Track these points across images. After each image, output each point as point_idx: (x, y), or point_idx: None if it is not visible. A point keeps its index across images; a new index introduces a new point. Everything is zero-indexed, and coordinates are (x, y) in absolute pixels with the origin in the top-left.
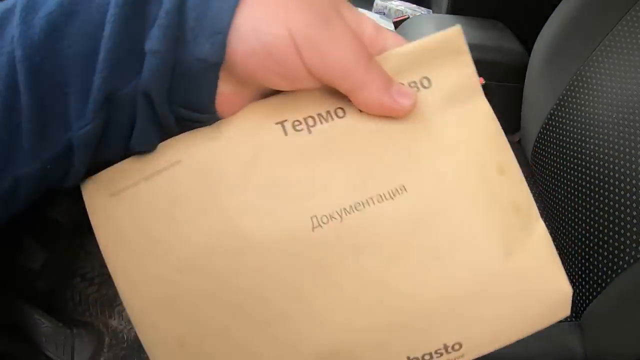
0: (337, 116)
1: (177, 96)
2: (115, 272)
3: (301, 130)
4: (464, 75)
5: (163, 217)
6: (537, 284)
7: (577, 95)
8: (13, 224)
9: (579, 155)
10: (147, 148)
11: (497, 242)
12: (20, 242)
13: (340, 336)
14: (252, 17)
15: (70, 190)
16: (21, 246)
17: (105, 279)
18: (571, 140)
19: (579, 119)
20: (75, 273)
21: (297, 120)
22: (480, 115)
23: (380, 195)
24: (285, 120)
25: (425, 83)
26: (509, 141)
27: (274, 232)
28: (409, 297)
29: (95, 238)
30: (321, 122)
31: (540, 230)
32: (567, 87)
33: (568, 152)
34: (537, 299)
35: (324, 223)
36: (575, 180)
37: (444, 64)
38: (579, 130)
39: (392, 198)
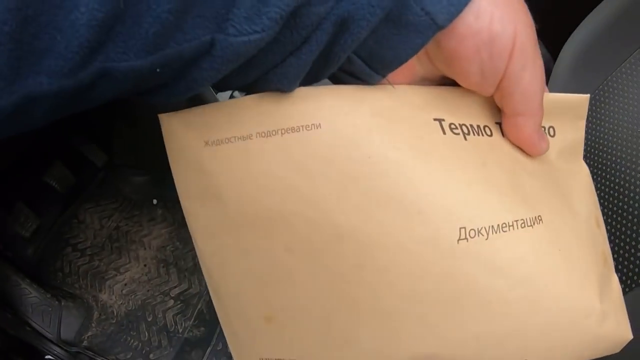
0: (486, 134)
1: (366, 42)
2: (201, 237)
3: (458, 134)
4: (577, 138)
5: (280, 186)
6: (611, 326)
7: (602, 105)
8: (5, 186)
9: (599, 166)
10: (286, 87)
11: (596, 285)
12: (12, 207)
13: (443, 343)
14: (492, 2)
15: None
16: (12, 211)
17: (97, 250)
18: (592, 150)
19: (602, 129)
20: (67, 242)
21: (453, 124)
22: (583, 174)
23: (524, 221)
24: (443, 120)
25: (551, 132)
26: None
27: (418, 233)
28: (517, 320)
29: (90, 207)
30: (474, 134)
31: (615, 280)
32: (593, 95)
33: (589, 162)
34: (606, 338)
35: (470, 237)
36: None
37: (567, 121)
38: (601, 141)
39: (532, 226)
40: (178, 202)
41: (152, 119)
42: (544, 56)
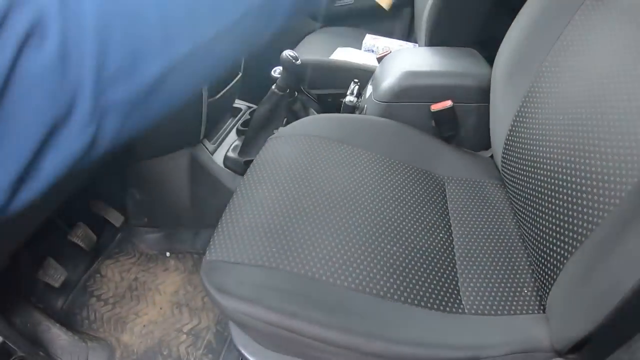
0: None
1: None
2: None
3: None
4: None
5: None
6: None
7: (532, 106)
8: (38, 244)
9: (538, 159)
10: None
11: None
12: (43, 262)
13: None
14: None
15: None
16: (44, 265)
17: (118, 299)
18: (529, 147)
19: (535, 127)
20: (91, 294)
21: None
22: None
23: None
24: None
25: None
26: (483, 156)
27: None
28: None
29: (111, 263)
30: None
31: None
32: (523, 100)
33: (528, 158)
34: None
35: None
36: (535, 182)
37: None
38: (536, 137)
39: None
40: (188, 252)
41: (161, 182)
42: (486, 74)
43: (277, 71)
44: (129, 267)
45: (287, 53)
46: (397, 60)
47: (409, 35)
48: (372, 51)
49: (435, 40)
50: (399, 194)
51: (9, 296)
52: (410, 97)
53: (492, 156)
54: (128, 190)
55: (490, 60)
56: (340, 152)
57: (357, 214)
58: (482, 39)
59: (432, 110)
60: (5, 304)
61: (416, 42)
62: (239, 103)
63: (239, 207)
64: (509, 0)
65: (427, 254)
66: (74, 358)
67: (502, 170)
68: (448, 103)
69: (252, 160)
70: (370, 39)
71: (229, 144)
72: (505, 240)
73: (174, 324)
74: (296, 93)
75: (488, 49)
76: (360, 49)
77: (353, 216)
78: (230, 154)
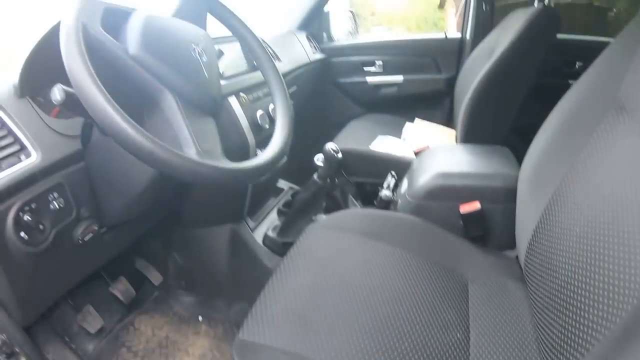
0: None
1: None
2: None
3: None
4: None
5: None
6: None
7: (554, 212)
8: (81, 291)
9: (556, 266)
10: None
11: None
12: (81, 308)
13: None
14: None
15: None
16: (83, 311)
17: (147, 353)
18: (549, 253)
19: (555, 234)
20: (123, 344)
21: None
22: None
23: None
24: None
25: None
26: (508, 256)
27: None
28: None
29: (145, 318)
30: None
31: None
32: (546, 205)
33: (548, 263)
34: None
35: None
36: (551, 289)
37: None
38: (556, 244)
39: None
40: (220, 320)
41: (202, 251)
42: (514, 176)
43: (319, 159)
44: (161, 324)
45: (330, 146)
46: (432, 158)
47: (448, 121)
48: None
49: (470, 132)
50: (421, 292)
51: (46, 332)
52: (440, 197)
53: (517, 257)
54: (171, 254)
55: (522, 152)
56: (371, 248)
57: (378, 308)
58: (517, 127)
59: (461, 212)
60: (42, 339)
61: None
62: (281, 183)
63: (274, 292)
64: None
65: (441, 352)
66: None
67: (525, 271)
68: (476, 205)
69: (289, 242)
70: (410, 127)
71: (269, 223)
72: (522, 344)
73: None
74: (336, 180)
75: (521, 138)
76: (400, 136)
77: (373, 310)
78: (270, 234)
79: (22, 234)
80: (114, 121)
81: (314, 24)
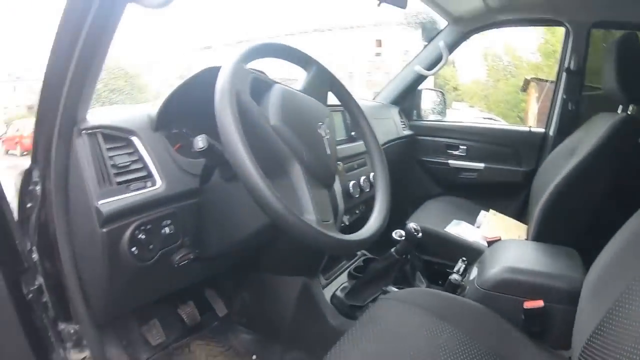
0: None
1: None
2: None
3: None
4: None
5: None
6: None
7: (611, 324)
8: (148, 307)
9: None
10: None
11: None
12: (150, 320)
13: None
14: None
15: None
16: (149, 323)
17: None
18: None
19: (608, 347)
20: None
21: None
22: None
23: None
24: None
25: None
26: (562, 357)
27: None
28: None
29: (201, 344)
30: None
31: None
32: (605, 314)
33: None
34: None
35: None
36: None
37: None
38: (609, 354)
39: None
40: (272, 350)
41: (270, 296)
42: (579, 279)
43: (397, 234)
44: (216, 354)
45: (412, 226)
46: (502, 250)
47: (520, 215)
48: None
49: (543, 230)
50: None
51: (109, 332)
52: (507, 290)
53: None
54: (240, 292)
55: (592, 254)
56: (437, 327)
57: None
58: (592, 227)
59: (525, 307)
60: (105, 337)
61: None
62: None
63: (344, 351)
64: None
65: None
66: None
67: None
68: (540, 303)
69: (355, 306)
70: (485, 217)
71: (339, 283)
72: None
73: None
74: (409, 256)
75: (593, 240)
76: (474, 222)
77: None
78: (339, 294)
79: (134, 249)
80: (254, 181)
81: (407, 100)
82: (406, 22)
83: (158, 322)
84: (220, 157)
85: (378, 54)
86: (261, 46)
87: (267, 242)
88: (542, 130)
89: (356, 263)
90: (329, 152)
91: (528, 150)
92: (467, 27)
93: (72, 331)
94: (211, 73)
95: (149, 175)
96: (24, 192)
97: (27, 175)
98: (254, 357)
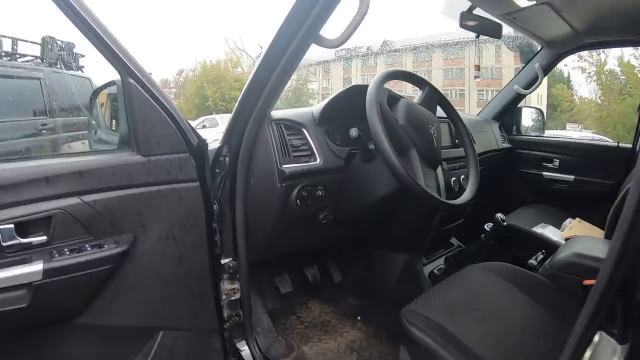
0: None
1: None
2: None
3: None
4: None
5: None
6: None
7: None
8: (283, 263)
9: None
10: None
11: None
12: (283, 274)
13: None
14: None
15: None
16: (282, 276)
17: (310, 326)
18: None
19: None
20: (294, 312)
21: None
22: None
23: None
24: None
25: None
26: None
27: None
28: None
29: (317, 302)
30: None
31: None
32: None
33: None
34: None
35: None
36: None
37: None
38: None
39: None
40: (374, 323)
41: (379, 268)
42: None
43: (488, 225)
44: (328, 311)
45: (499, 216)
46: (575, 242)
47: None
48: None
49: (613, 229)
50: (539, 328)
51: (253, 277)
52: (571, 270)
53: None
54: (353, 264)
55: None
56: (512, 290)
57: (510, 327)
58: None
59: (583, 283)
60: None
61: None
62: (453, 240)
63: (437, 294)
64: None
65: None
66: (263, 335)
67: None
68: None
69: None
70: (570, 224)
71: (435, 265)
72: None
73: (342, 358)
74: (497, 247)
75: None
76: (560, 228)
77: (508, 328)
78: (436, 272)
79: (298, 202)
80: (390, 157)
81: (507, 116)
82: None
83: (288, 277)
84: (364, 143)
85: (477, 77)
86: (393, 72)
87: (386, 214)
88: (629, 145)
89: (452, 252)
90: (435, 144)
91: (616, 164)
92: (560, 49)
93: (231, 265)
94: (357, 89)
95: (312, 154)
96: (215, 161)
97: (218, 150)
98: (359, 317)
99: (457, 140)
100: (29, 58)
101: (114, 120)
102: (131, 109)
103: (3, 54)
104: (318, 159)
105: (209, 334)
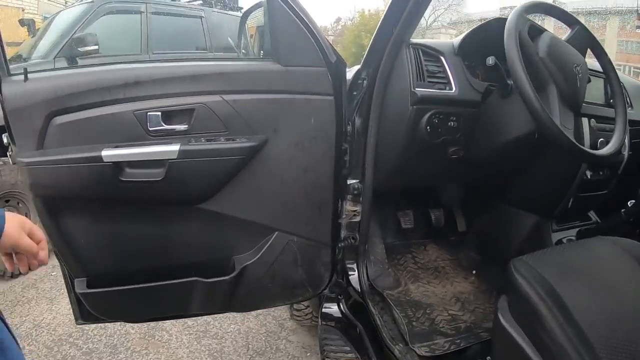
0: None
1: None
2: None
3: None
4: None
5: None
6: None
7: None
8: (408, 197)
9: None
10: None
11: None
12: (407, 210)
13: None
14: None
15: None
16: (405, 211)
17: (424, 268)
18: None
19: None
20: (410, 252)
21: None
22: None
23: None
24: None
25: None
26: None
27: None
28: None
29: (435, 246)
30: None
31: None
32: None
33: None
34: None
35: None
36: None
37: None
38: None
39: None
40: (488, 279)
41: (505, 226)
42: None
43: (631, 203)
44: (444, 258)
45: None
46: None
47: None
48: None
49: None
50: None
51: (375, 204)
52: None
53: None
54: (481, 215)
55: None
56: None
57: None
58: None
59: None
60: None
61: None
62: (591, 214)
63: (551, 256)
64: None
65: None
66: (374, 263)
67: None
68: None
69: None
70: None
71: (566, 234)
72: None
73: (445, 304)
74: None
75: None
76: None
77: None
78: (563, 241)
79: (428, 128)
80: (527, 91)
81: None
82: None
83: (412, 213)
84: (501, 76)
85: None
86: (538, 3)
87: (520, 164)
88: None
89: (587, 227)
90: (579, 85)
91: None
92: None
93: (356, 186)
94: (501, 21)
95: (448, 83)
96: (354, 84)
97: (357, 74)
98: (474, 272)
99: (611, 100)
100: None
101: (262, 51)
102: (274, 23)
103: None
104: (454, 88)
105: (321, 246)
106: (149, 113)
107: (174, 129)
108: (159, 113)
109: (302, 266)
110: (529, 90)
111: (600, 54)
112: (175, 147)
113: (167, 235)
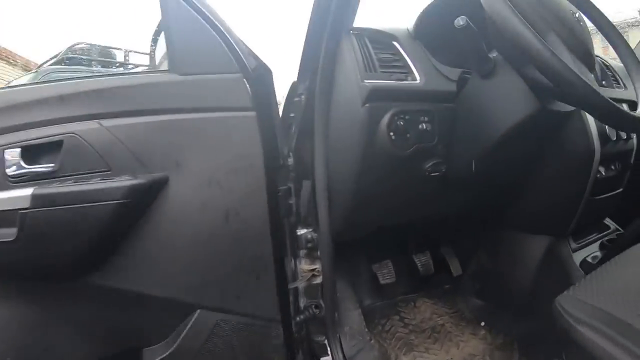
0: None
1: None
2: None
3: None
4: None
5: None
6: None
7: None
8: (383, 245)
9: None
10: None
11: None
12: (383, 261)
13: None
14: None
15: None
16: (382, 264)
17: (417, 330)
18: None
19: None
20: (397, 312)
21: None
22: None
23: None
24: None
25: None
26: None
27: None
28: None
29: (428, 301)
30: None
31: None
32: None
33: None
34: None
35: None
36: None
37: None
38: None
39: None
40: (502, 332)
41: (511, 257)
42: None
43: None
44: (442, 313)
45: None
46: None
47: None
48: None
49: None
50: None
51: (340, 259)
52: None
53: None
54: (478, 251)
55: None
56: None
57: None
58: None
59: None
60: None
61: None
62: (608, 222)
63: (600, 279)
64: None
65: None
66: (350, 337)
67: None
68: None
69: None
70: None
71: (588, 252)
72: None
73: None
74: None
75: None
76: None
77: None
78: (589, 260)
79: (392, 135)
80: (533, 43)
81: None
82: None
83: (391, 263)
84: (477, 47)
85: None
86: None
87: (520, 170)
88: None
89: (609, 237)
90: (584, 32)
91: None
92: None
93: (309, 237)
94: None
95: (409, 72)
96: (289, 104)
97: (291, 91)
98: (482, 323)
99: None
100: (140, 68)
101: None
102: (167, 21)
103: (117, 64)
104: (418, 78)
105: (266, 325)
106: (5, 151)
107: (37, 172)
108: (19, 149)
109: (242, 355)
110: (533, 39)
111: (592, 13)
112: (27, 192)
113: (45, 323)
